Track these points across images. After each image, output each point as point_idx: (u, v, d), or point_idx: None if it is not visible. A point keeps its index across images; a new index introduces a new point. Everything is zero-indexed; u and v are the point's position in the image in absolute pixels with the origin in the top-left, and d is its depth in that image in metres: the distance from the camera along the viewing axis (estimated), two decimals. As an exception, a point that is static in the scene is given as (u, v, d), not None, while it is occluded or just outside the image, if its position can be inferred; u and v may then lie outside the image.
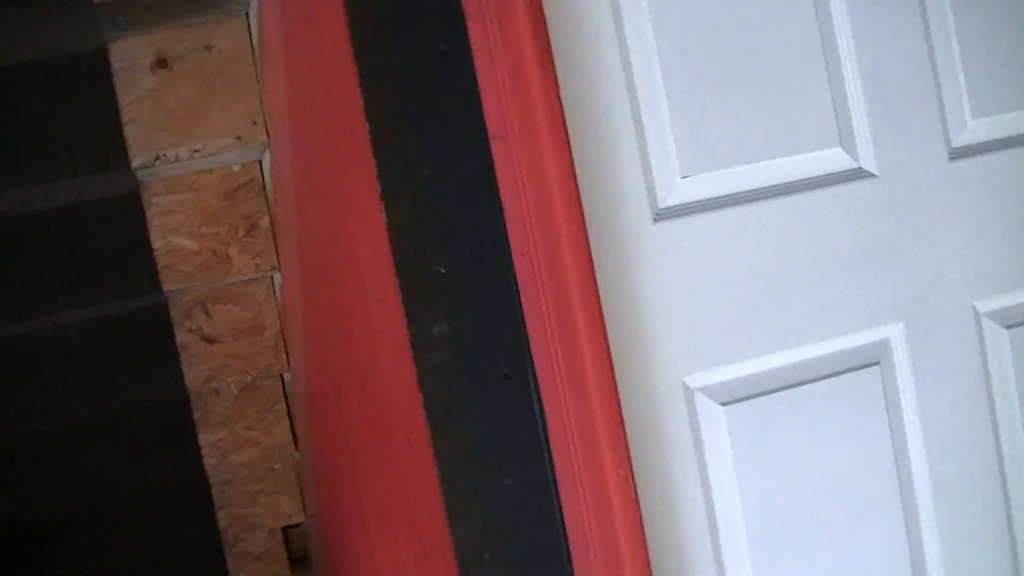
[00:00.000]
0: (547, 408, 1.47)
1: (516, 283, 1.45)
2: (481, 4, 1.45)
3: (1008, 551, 1.84)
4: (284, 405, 2.63)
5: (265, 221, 2.29)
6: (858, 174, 1.71)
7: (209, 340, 2.44)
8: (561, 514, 1.48)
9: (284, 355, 2.52)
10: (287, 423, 2.66)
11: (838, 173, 1.71)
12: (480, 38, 1.44)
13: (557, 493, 1.48)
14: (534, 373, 1.46)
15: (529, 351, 1.45)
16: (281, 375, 2.59)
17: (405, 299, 1.42)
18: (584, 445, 1.50)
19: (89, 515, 2.68)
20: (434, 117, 1.41)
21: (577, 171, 1.54)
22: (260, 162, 2.24)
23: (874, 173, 1.72)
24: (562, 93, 1.52)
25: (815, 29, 1.69)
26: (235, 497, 2.70)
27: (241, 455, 2.64)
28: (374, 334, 1.66)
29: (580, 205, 1.51)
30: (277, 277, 2.41)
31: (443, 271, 1.42)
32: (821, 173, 1.70)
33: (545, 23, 1.50)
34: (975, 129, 1.79)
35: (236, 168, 2.23)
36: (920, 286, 1.75)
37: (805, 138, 1.69)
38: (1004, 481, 1.82)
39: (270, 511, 2.76)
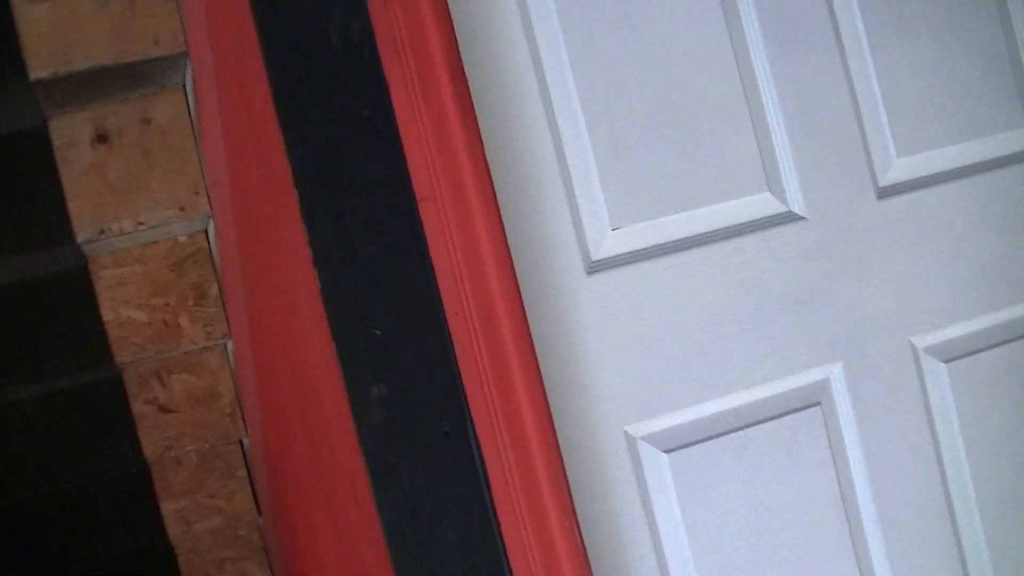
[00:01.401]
0: (489, 463, 1.48)
1: (451, 342, 1.47)
2: (403, 69, 1.47)
3: (960, 581, 1.86)
4: (245, 471, 2.63)
5: (214, 289, 2.30)
6: (788, 217, 1.74)
7: (165, 410, 2.44)
8: (509, 567, 1.49)
9: (241, 421, 2.52)
10: (249, 489, 2.66)
11: (768, 217, 1.73)
12: (403, 102, 1.47)
13: (504, 546, 1.48)
14: (474, 429, 1.47)
15: (468, 408, 1.47)
16: (240, 441, 2.59)
17: (343, 362, 1.43)
18: (528, 498, 1.51)
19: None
20: (361, 181, 1.43)
21: (508, 228, 1.56)
22: (206, 231, 2.25)
23: (803, 216, 1.75)
24: (488, 151, 1.54)
25: (736, 77, 1.72)
26: (202, 566, 2.69)
27: (205, 523, 2.64)
28: (318, 397, 1.67)
29: (511, 261, 1.53)
30: (230, 344, 2.41)
31: (378, 333, 1.43)
32: (751, 218, 1.72)
33: (467, 84, 1.52)
34: (901, 167, 1.81)
35: (182, 238, 2.24)
36: (856, 325, 1.77)
37: (733, 184, 1.71)
38: (952, 513, 1.84)
39: (238, 578, 2.75)
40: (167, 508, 2.59)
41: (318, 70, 1.43)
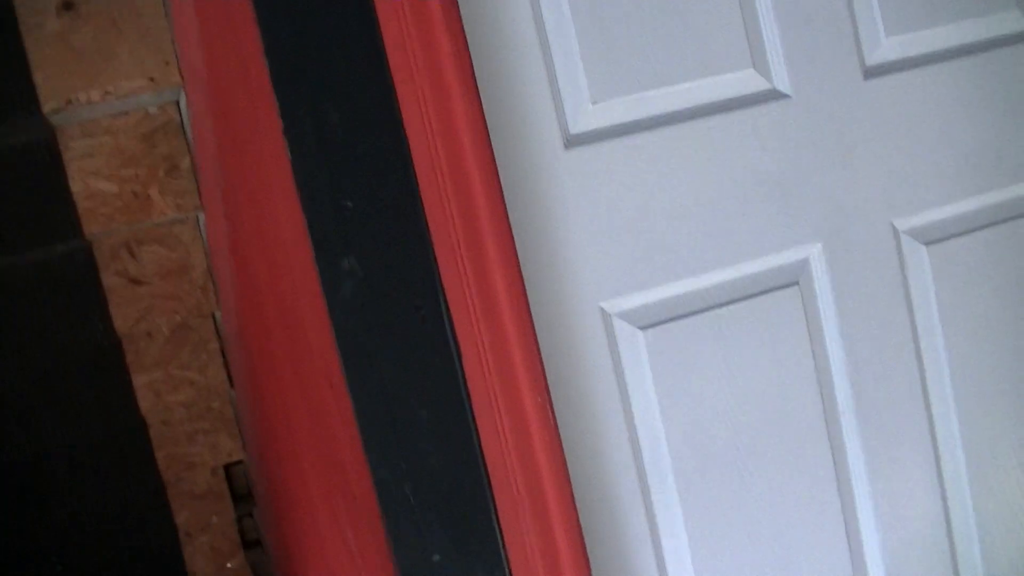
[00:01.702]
0: (462, 339, 1.47)
1: (425, 216, 1.44)
2: (380, -64, 1.43)
3: (933, 468, 1.86)
4: (217, 344, 2.62)
5: (186, 162, 2.27)
6: (772, 95, 1.71)
7: (136, 282, 2.42)
8: (481, 447, 1.48)
9: (213, 295, 2.50)
10: (221, 362, 2.65)
11: (751, 95, 1.70)
12: (380, -29, 1.43)
13: (476, 426, 1.48)
14: (447, 305, 1.45)
15: (441, 283, 1.45)
16: (213, 314, 2.58)
17: (313, 234, 1.41)
18: (500, 375, 1.50)
19: (28, 467, 2.66)
20: (336, 53, 1.40)
21: (485, 101, 1.53)
22: (177, 103, 2.22)
23: (788, 94, 1.72)
24: (466, 23, 1.51)
25: (724, -51, 1.68)
26: (174, 437, 2.70)
27: (177, 395, 2.63)
28: (290, 271, 1.65)
29: (488, 134, 1.50)
30: (202, 217, 2.39)
31: (349, 204, 1.41)
32: (734, 95, 1.69)
33: (445, -49, 1.48)
34: (889, 47, 1.78)
35: (153, 110, 2.20)
36: (838, 205, 1.76)
37: (717, 60, 1.68)
38: (927, 398, 1.84)
39: (210, 450, 2.76)
40: (139, 381, 2.58)
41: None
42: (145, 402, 2.62)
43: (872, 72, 1.77)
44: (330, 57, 1.40)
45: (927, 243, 1.81)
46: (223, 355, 2.65)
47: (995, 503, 1.90)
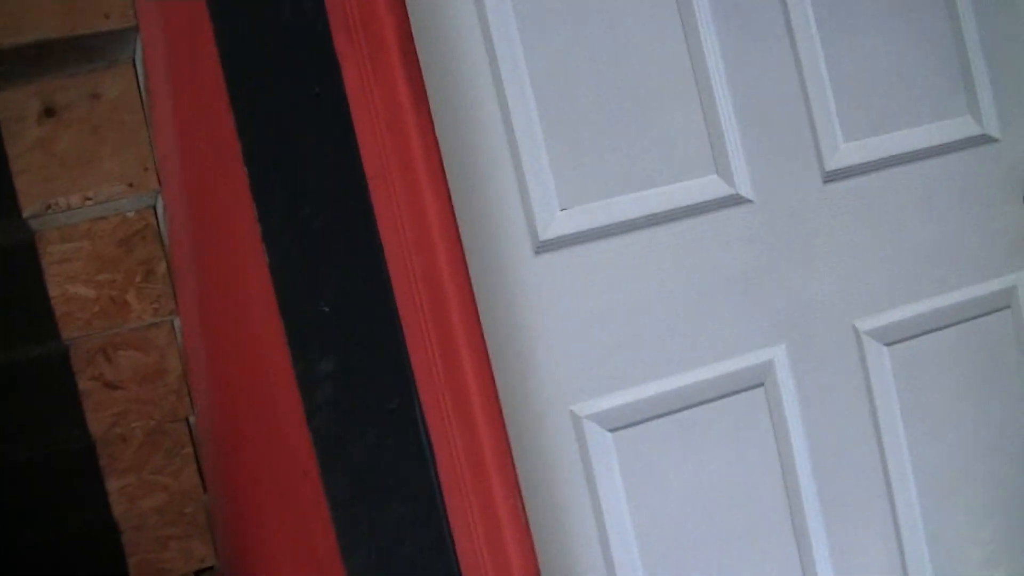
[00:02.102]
0: (435, 440, 1.49)
1: (399, 318, 1.47)
2: (354, 46, 1.47)
3: (899, 563, 1.88)
4: (191, 449, 2.62)
5: (162, 266, 2.29)
6: (735, 200, 1.76)
7: (112, 386, 2.43)
8: (453, 543, 1.50)
9: (188, 399, 2.51)
10: (195, 466, 2.65)
11: (715, 200, 1.75)
12: (354, 79, 1.47)
13: (448, 522, 1.50)
14: (420, 405, 1.48)
15: (415, 384, 1.48)
16: (187, 419, 2.58)
17: (290, 337, 1.44)
18: (473, 475, 1.52)
19: (-2, 568, 2.65)
20: (311, 158, 1.44)
21: (457, 206, 1.57)
22: (154, 208, 2.24)
23: (750, 199, 1.76)
24: (438, 130, 1.54)
25: (687, 61, 1.74)
26: (146, 543, 2.69)
27: (150, 500, 2.63)
28: (266, 373, 1.67)
29: (460, 239, 1.53)
30: (177, 322, 2.41)
31: (326, 309, 1.44)
32: (698, 200, 1.74)
33: (418, 63, 1.52)
34: (847, 152, 1.84)
35: (131, 215, 2.23)
36: (800, 307, 1.80)
37: (681, 167, 1.73)
38: (891, 495, 1.87)
39: (182, 555, 2.74)
40: (112, 485, 2.58)
41: (269, 46, 1.43)
42: (119, 507, 2.61)
43: (831, 176, 1.82)
44: (307, 163, 1.43)
45: (888, 344, 1.85)
46: (196, 460, 2.65)
47: (960, 599, 1.92)
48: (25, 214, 2.11)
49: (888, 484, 1.86)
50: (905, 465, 1.87)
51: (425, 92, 1.53)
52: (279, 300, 1.43)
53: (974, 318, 1.93)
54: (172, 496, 2.65)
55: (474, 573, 1.52)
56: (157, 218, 2.26)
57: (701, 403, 1.74)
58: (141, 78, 2.09)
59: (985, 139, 1.94)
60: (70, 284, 2.27)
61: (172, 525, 2.69)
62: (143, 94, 2.11)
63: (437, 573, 1.49)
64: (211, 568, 2.86)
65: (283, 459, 1.72)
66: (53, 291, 2.26)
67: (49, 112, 2.06)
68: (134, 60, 2.09)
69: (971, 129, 1.93)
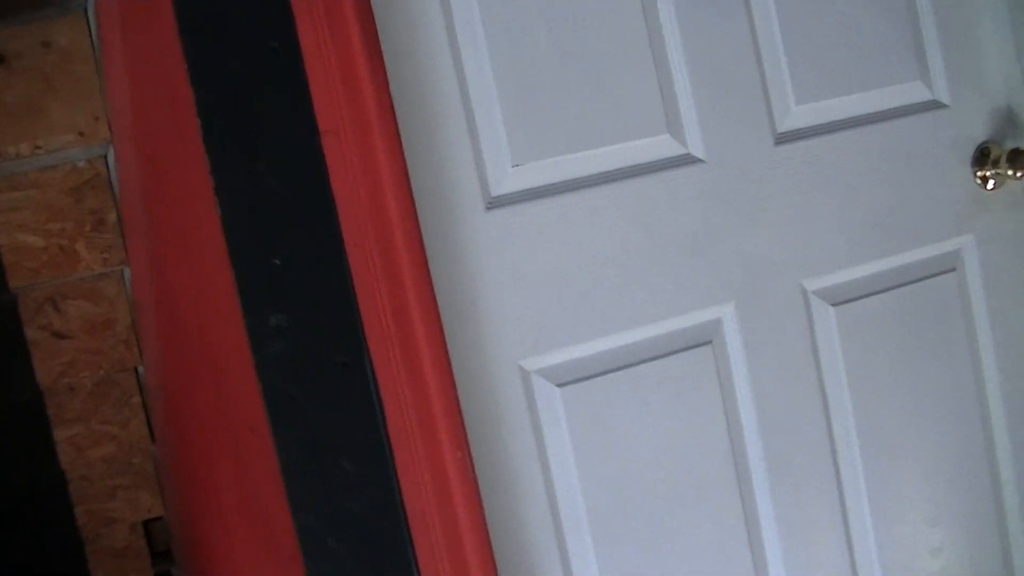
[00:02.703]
0: (385, 395, 1.50)
1: (351, 273, 1.47)
2: (311, 3, 1.47)
3: (840, 521, 1.91)
4: (140, 399, 2.62)
5: (112, 216, 2.28)
6: (686, 159, 1.77)
7: (60, 336, 2.42)
8: (402, 498, 1.51)
9: (137, 349, 2.50)
10: (143, 417, 2.64)
11: (667, 159, 1.76)
12: (310, 36, 1.46)
13: (397, 477, 1.51)
14: (371, 361, 1.48)
15: (365, 340, 1.48)
16: (136, 369, 2.57)
17: (241, 291, 1.44)
18: (422, 429, 1.53)
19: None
20: (265, 112, 1.43)
21: (410, 162, 1.57)
22: (105, 158, 2.23)
23: (702, 159, 1.77)
24: (393, 87, 1.55)
25: (641, 19, 1.74)
26: (93, 493, 2.68)
27: (98, 450, 2.62)
28: (217, 326, 1.67)
29: (412, 195, 1.54)
30: (127, 272, 2.40)
31: (278, 263, 1.44)
32: (650, 159, 1.75)
33: (373, 18, 1.52)
34: (799, 115, 1.85)
35: (81, 164, 2.21)
36: (749, 267, 1.81)
37: (634, 126, 1.73)
38: (834, 453, 1.89)
39: (130, 506, 2.74)
40: (60, 435, 2.57)
41: (226, 2, 1.43)
42: (66, 457, 2.61)
43: (783, 138, 1.83)
44: (262, 117, 1.43)
45: (835, 304, 1.87)
46: (145, 410, 2.65)
47: (900, 555, 1.95)
48: (-27, 162, 2.10)
49: (832, 443, 1.89)
50: (849, 424, 1.90)
51: (380, 48, 1.52)
52: (230, 253, 1.43)
53: (920, 280, 1.95)
54: (120, 446, 2.64)
55: (423, 529, 1.53)
56: (108, 168, 2.25)
57: (649, 360, 1.76)
58: (94, 27, 2.08)
59: (935, 104, 1.96)
60: (19, 233, 2.25)
61: (120, 475, 2.69)
62: (95, 44, 2.09)
63: (386, 529, 1.50)
64: (159, 518, 2.86)
65: (232, 413, 1.73)
66: (1, 240, 2.25)
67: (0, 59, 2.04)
68: (86, 9, 2.07)
69: (922, 94, 1.95)
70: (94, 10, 2.03)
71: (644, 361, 1.75)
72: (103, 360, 2.50)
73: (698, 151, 1.77)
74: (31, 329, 2.41)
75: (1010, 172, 1.92)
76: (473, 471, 1.58)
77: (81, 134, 2.13)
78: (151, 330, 2.33)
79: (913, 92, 1.94)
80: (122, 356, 2.51)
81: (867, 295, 1.91)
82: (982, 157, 1.97)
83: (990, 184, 1.97)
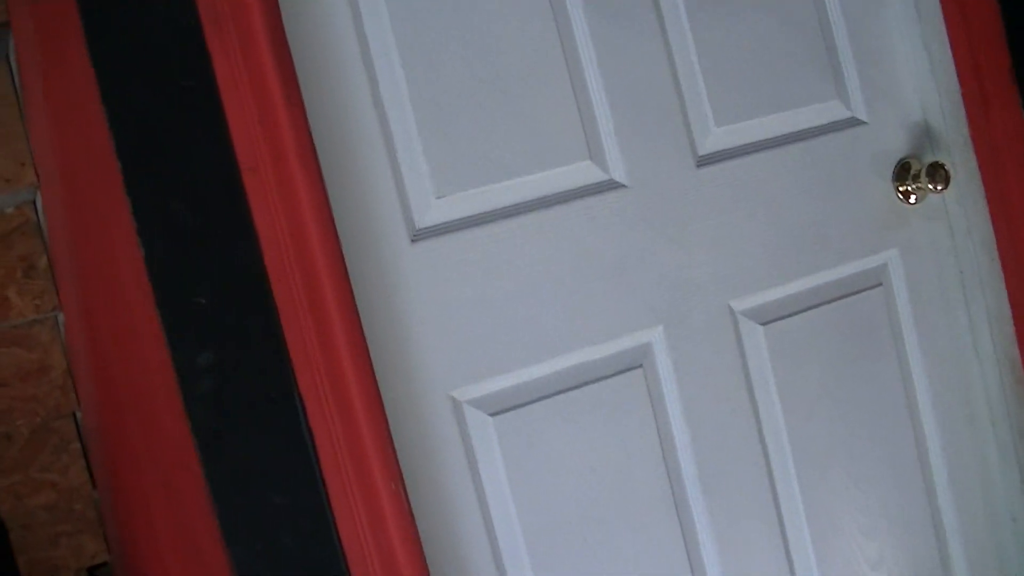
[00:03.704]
0: (315, 428, 1.50)
1: (276, 309, 1.48)
2: (224, 38, 1.47)
3: (778, 536, 1.92)
4: (79, 444, 2.60)
5: (43, 261, 2.27)
6: (609, 185, 1.78)
7: (-5, 384, 2.41)
8: (337, 530, 1.51)
9: (74, 395, 2.49)
10: (83, 463, 2.63)
11: (589, 185, 1.77)
12: (225, 72, 1.47)
13: (331, 510, 1.51)
14: (299, 395, 1.49)
15: (293, 374, 1.49)
16: (73, 414, 2.56)
17: (168, 330, 1.44)
18: (354, 462, 1.53)
19: None
20: (184, 152, 1.44)
21: (332, 196, 1.57)
22: (34, 203, 2.23)
23: (624, 184, 1.79)
24: (311, 120, 1.55)
25: (558, 47, 1.76)
26: (35, 541, 2.66)
27: (38, 498, 2.60)
28: (147, 367, 1.67)
29: (335, 229, 1.54)
30: (61, 317, 2.39)
31: (203, 302, 1.44)
32: (573, 186, 1.76)
33: (289, 54, 1.53)
34: (719, 137, 1.87)
35: (9, 211, 2.21)
36: (677, 289, 1.83)
37: (555, 153, 1.75)
38: (769, 470, 1.91)
39: (73, 552, 2.72)
40: (-2, 484, 2.56)
41: (139, 40, 1.43)
42: (5, 505, 2.59)
43: (704, 160, 1.85)
44: (180, 157, 1.44)
45: (763, 323, 1.89)
46: (85, 455, 2.63)
47: (838, 567, 1.97)
48: (-102, 213, 2.09)
49: (767, 460, 1.90)
50: (783, 441, 1.91)
51: (297, 83, 1.53)
52: (155, 293, 1.44)
53: (847, 296, 1.98)
54: (61, 493, 2.62)
55: (359, 561, 1.53)
56: (37, 213, 2.24)
57: (580, 385, 1.77)
58: (15, 73, 2.07)
59: (854, 122, 1.99)
60: (-52, 282, 2.24)
61: (62, 522, 2.67)
62: (17, 89, 2.09)
63: (322, 562, 1.50)
64: (103, 564, 2.84)
65: (164, 452, 1.72)
66: (-70, 289, 2.24)
67: (-80, 111, 2.03)
68: (7, 56, 2.07)
69: (840, 112, 1.98)
70: (15, 56, 2.03)
71: (576, 387, 1.76)
72: (39, 407, 2.49)
73: (620, 176, 1.78)
74: (-36, 378, 2.40)
75: (930, 186, 1.94)
76: (408, 502, 1.59)
77: (7, 180, 2.12)
78: (86, 375, 2.32)
79: (831, 110, 1.97)
80: (58, 402, 2.50)
81: (795, 313, 1.93)
82: (902, 172, 2.00)
83: (912, 198, 2.00)
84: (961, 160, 2.01)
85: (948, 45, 2.00)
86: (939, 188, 1.95)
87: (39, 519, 2.63)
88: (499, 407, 1.71)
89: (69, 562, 2.73)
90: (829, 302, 1.96)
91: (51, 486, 2.60)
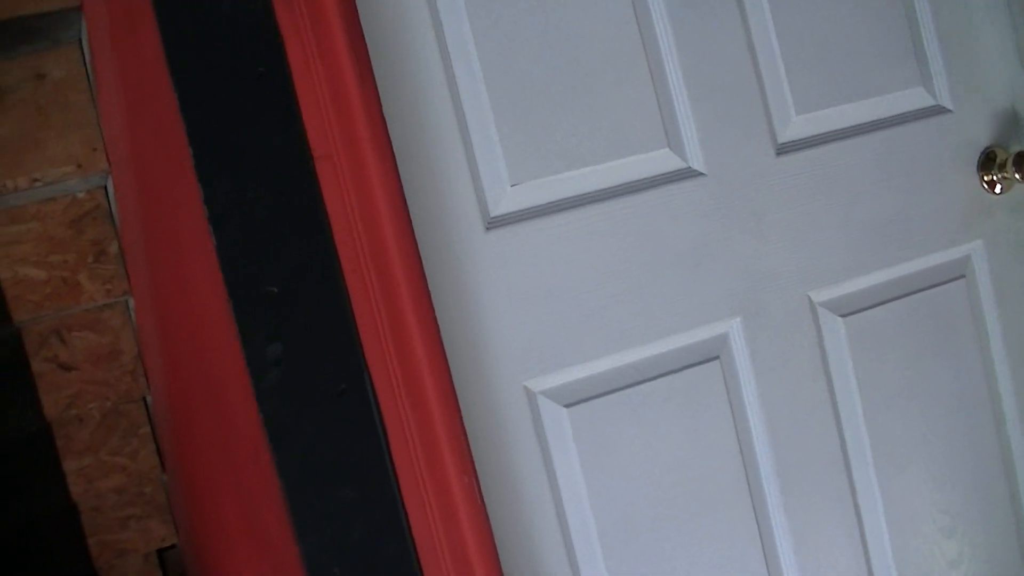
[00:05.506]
0: (387, 420, 1.48)
1: (348, 299, 1.46)
2: (297, 22, 1.46)
3: (856, 534, 1.89)
4: (148, 428, 2.61)
5: (114, 247, 2.27)
6: (687, 173, 1.75)
7: (66, 368, 2.42)
8: (408, 523, 1.49)
9: (144, 379, 2.50)
10: (153, 446, 2.64)
11: (667, 174, 1.74)
12: (298, 57, 1.45)
13: (403, 503, 1.49)
14: (372, 386, 1.47)
15: (365, 365, 1.47)
16: (144, 398, 2.57)
17: (238, 321, 1.42)
18: (427, 454, 1.51)
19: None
20: (256, 139, 1.42)
21: (406, 184, 1.56)
22: (105, 188, 2.23)
23: (703, 172, 1.76)
24: (385, 107, 1.53)
25: (637, 34, 1.73)
26: (105, 524, 2.68)
27: (108, 481, 2.62)
28: (217, 355, 1.66)
29: (409, 218, 1.52)
30: (131, 301, 2.39)
31: (275, 291, 1.43)
32: (650, 174, 1.73)
33: (363, 38, 1.51)
34: (800, 125, 1.83)
35: (80, 195, 2.21)
36: (754, 280, 1.79)
37: (633, 141, 1.72)
38: (847, 466, 1.87)
39: (142, 535, 2.73)
40: (69, 466, 2.57)
41: (210, 25, 1.42)
42: (76, 488, 2.60)
43: (784, 148, 1.81)
44: (252, 142, 1.42)
45: (843, 315, 1.85)
46: (154, 439, 2.64)
47: (916, 566, 1.93)
48: (-29, 197, 2.10)
49: (845, 455, 1.87)
50: (862, 436, 1.88)
51: (371, 68, 1.51)
52: (226, 282, 1.42)
53: (929, 288, 1.94)
54: (130, 476, 2.64)
55: (429, 553, 1.51)
56: (108, 198, 2.25)
57: (656, 377, 1.74)
58: (87, 58, 2.07)
59: (938, 110, 1.94)
60: (20, 266, 2.25)
61: (131, 505, 2.68)
62: (90, 74, 2.09)
63: (392, 554, 1.49)
64: (172, 547, 2.85)
65: (235, 441, 1.71)
66: (3, 273, 2.24)
67: (-7, 95, 2.04)
68: (80, 40, 2.07)
69: (924, 100, 1.94)
70: (87, 41, 2.03)
71: (651, 379, 1.74)
72: (110, 391, 2.50)
73: (698, 164, 1.75)
74: (37, 361, 2.41)
75: (1017, 176, 1.90)
76: (480, 495, 1.57)
77: (79, 165, 2.12)
78: (156, 360, 2.32)
79: (915, 98, 1.93)
80: (129, 387, 2.51)
81: (876, 305, 1.89)
82: (988, 161, 1.95)
83: (997, 188, 1.95)
84: (1049, 149, 1.96)
85: (1037, 30, 1.96)
86: (1026, 178, 1.90)
87: (109, 502, 2.65)
88: (573, 398, 1.69)
89: (138, 545, 2.75)
90: (910, 294, 1.92)
91: (121, 470, 2.61)
